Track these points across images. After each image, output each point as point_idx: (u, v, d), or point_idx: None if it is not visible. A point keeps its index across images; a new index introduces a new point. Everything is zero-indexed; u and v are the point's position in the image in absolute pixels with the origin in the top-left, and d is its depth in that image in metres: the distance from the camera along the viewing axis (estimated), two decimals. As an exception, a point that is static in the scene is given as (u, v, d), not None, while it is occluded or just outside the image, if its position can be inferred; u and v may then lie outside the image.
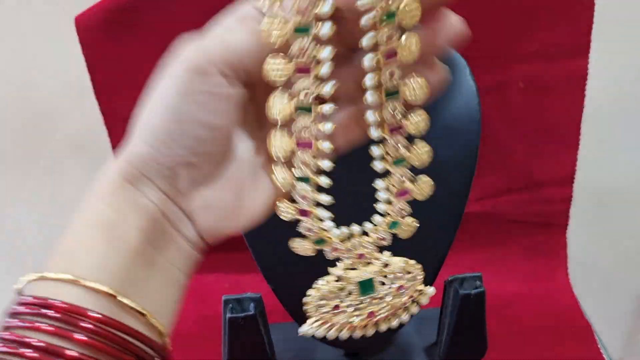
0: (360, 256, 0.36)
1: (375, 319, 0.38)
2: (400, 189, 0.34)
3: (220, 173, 0.30)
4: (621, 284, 0.92)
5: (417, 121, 0.32)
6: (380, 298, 0.37)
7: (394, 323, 0.39)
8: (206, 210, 0.30)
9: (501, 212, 0.76)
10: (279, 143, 0.30)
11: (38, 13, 0.72)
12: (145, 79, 0.69)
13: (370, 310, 0.38)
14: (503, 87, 0.69)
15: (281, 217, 0.33)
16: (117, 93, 0.66)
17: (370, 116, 0.31)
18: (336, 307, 0.37)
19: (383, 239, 0.36)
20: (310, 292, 0.36)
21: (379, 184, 0.34)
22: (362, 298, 0.37)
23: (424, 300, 0.39)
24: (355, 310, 0.37)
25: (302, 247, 0.34)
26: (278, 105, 0.29)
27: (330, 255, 0.35)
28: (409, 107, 0.32)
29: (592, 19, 0.64)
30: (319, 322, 0.37)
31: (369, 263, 0.37)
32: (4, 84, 0.75)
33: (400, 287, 0.38)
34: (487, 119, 0.63)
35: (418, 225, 0.36)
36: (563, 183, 0.74)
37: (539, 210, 0.75)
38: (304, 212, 0.33)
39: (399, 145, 0.32)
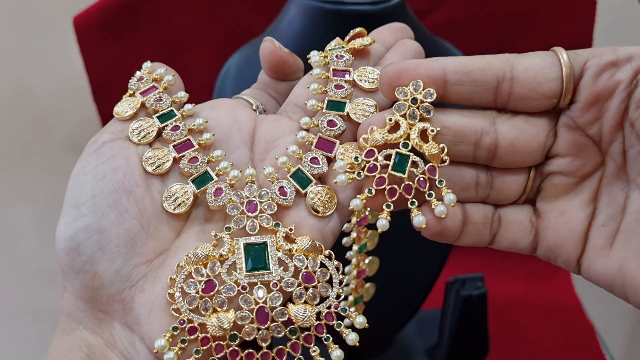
0: (251, 207, 0.27)
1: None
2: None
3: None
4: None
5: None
6: (275, 285, 0.25)
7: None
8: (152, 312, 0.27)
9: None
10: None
11: (36, 13, 0.72)
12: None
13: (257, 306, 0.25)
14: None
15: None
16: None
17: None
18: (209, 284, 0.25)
19: (284, 193, 0.27)
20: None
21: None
22: (247, 274, 0.25)
23: (359, 323, 0.26)
24: (236, 296, 0.25)
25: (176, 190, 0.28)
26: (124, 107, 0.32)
27: (210, 200, 0.27)
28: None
29: (594, 18, 0.64)
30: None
31: (264, 227, 0.26)
32: (2, 84, 0.75)
33: (308, 277, 0.26)
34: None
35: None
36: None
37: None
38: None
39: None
